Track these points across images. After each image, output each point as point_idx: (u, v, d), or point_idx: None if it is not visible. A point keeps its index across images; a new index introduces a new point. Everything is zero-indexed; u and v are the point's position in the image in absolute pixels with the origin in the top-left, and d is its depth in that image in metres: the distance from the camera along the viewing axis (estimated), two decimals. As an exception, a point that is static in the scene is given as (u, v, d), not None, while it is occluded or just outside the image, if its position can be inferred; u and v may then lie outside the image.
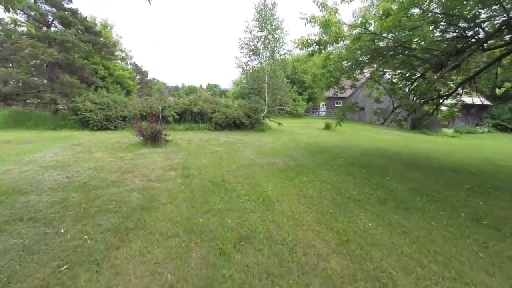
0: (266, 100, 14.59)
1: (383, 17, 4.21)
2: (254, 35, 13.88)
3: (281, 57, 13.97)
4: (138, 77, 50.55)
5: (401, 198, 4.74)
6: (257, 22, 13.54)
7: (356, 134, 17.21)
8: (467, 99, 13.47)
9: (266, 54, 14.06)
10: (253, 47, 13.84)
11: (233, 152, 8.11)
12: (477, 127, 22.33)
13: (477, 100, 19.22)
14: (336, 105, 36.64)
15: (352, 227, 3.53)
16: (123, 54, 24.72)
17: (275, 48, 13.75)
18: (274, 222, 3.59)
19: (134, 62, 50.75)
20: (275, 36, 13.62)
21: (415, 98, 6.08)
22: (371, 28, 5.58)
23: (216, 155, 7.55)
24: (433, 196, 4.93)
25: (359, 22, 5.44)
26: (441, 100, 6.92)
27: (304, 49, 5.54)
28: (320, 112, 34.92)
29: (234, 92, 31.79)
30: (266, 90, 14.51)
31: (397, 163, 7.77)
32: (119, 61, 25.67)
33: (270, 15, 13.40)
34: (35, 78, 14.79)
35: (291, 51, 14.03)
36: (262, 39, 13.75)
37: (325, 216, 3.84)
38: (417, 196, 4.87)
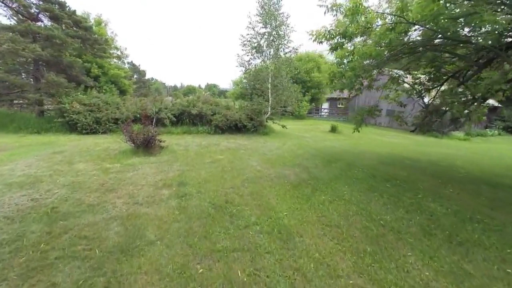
0: (270, 101, 13.65)
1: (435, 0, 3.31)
2: (257, 32, 12.94)
3: (286, 55, 13.03)
4: (135, 76, 49.49)
5: (449, 226, 3.82)
6: (261, 18, 12.59)
7: (364, 137, 16.33)
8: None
9: (270, 52, 13.12)
10: (256, 45, 12.89)
11: (237, 161, 7.17)
12: (487, 129, 21.54)
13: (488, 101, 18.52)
14: (338, 106, 35.80)
15: (406, 279, 2.60)
16: (119, 52, 23.65)
17: (280, 45, 12.81)
18: (298, 270, 2.66)
19: (132, 61, 49.70)
20: (280, 32, 12.68)
21: (464, 99, 5.15)
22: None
23: (217, 165, 6.60)
24: (486, 222, 4.01)
25: (388, 9, 4.52)
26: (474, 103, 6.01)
27: (326, 42, 4.62)
28: (322, 113, 34.08)
29: (234, 93, 30.84)
30: (269, 91, 13.57)
31: (421, 174, 6.87)
32: (115, 60, 24.63)
33: (274, 10, 12.46)
34: (23, 76, 13.78)
35: (296, 49, 13.08)
36: (265, 36, 12.81)
37: (363, 259, 2.91)
38: (466, 223, 3.95)
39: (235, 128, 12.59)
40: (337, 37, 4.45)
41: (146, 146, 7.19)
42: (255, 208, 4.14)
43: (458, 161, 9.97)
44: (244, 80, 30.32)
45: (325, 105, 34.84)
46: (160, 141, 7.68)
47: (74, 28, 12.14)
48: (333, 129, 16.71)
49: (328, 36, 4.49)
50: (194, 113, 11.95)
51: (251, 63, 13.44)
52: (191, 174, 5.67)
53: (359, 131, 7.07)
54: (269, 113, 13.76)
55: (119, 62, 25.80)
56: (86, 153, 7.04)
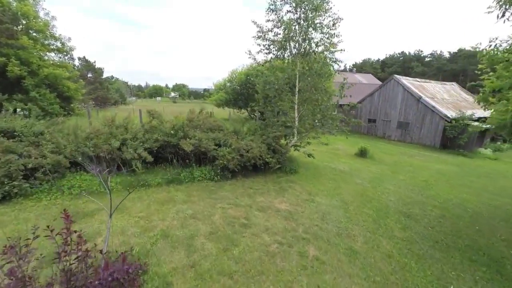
0: (296, 120, 9.35)
1: None
2: (280, 19, 8.52)
3: (327, 52, 8.74)
4: (89, 75, 41.01)
5: None
6: (288, -3, 8.23)
7: (394, 159, 13.00)
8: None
9: (298, 47, 8.78)
10: (282, 38, 8.47)
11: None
12: (498, 142, 20.18)
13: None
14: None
15: None
16: (58, 44, 16.88)
17: (318, 40, 8.57)
18: None
19: (84, 57, 41.11)
20: (315, 21, 8.42)
21: None
22: None
23: None
24: None
25: None
26: None
27: None
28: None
29: (217, 98, 25.78)
30: (296, 106, 9.27)
31: None
32: (58, 54, 17.81)
33: (309, -14, 8.17)
34: None
35: (336, 45, 8.85)
36: (293, 26, 8.41)
37: None
38: None
39: (252, 167, 7.98)
40: None
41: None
42: None
43: None
44: (228, 84, 25.45)
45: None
46: (138, 282, 2.80)
47: None
48: (363, 153, 13.05)
49: None
50: (189, 150, 6.98)
51: (272, 63, 8.97)
52: None
53: None
54: (295, 138, 9.43)
55: (65, 57, 18.88)
56: None
